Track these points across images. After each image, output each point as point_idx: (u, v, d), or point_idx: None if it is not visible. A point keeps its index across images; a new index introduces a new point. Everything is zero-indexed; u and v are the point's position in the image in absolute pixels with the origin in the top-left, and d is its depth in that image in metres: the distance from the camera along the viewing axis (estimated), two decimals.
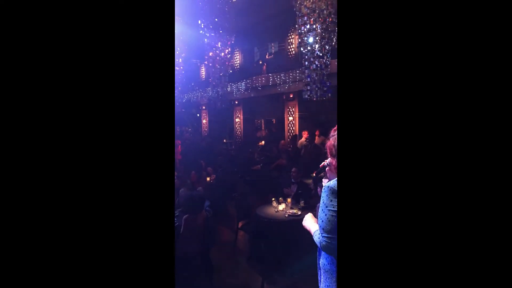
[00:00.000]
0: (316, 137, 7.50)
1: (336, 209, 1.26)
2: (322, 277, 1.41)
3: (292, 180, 4.06)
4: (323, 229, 1.29)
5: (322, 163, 1.67)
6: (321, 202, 1.34)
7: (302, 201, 3.67)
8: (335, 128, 1.42)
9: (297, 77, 8.24)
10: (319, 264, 1.44)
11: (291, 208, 3.56)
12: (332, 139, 1.41)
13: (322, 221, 1.30)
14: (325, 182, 2.10)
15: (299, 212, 3.42)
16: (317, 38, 4.89)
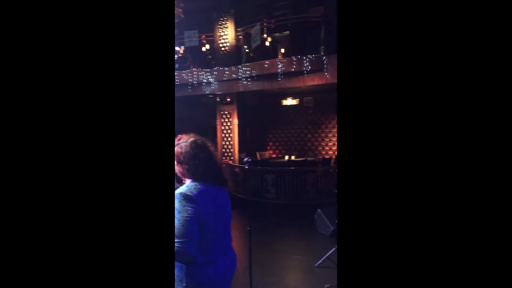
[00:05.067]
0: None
1: (189, 213, 1.28)
2: None
3: None
4: (175, 235, 1.26)
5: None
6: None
7: None
8: (179, 137, 1.49)
9: None
10: None
11: None
12: (178, 147, 1.44)
13: (175, 227, 1.28)
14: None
15: None
16: None
